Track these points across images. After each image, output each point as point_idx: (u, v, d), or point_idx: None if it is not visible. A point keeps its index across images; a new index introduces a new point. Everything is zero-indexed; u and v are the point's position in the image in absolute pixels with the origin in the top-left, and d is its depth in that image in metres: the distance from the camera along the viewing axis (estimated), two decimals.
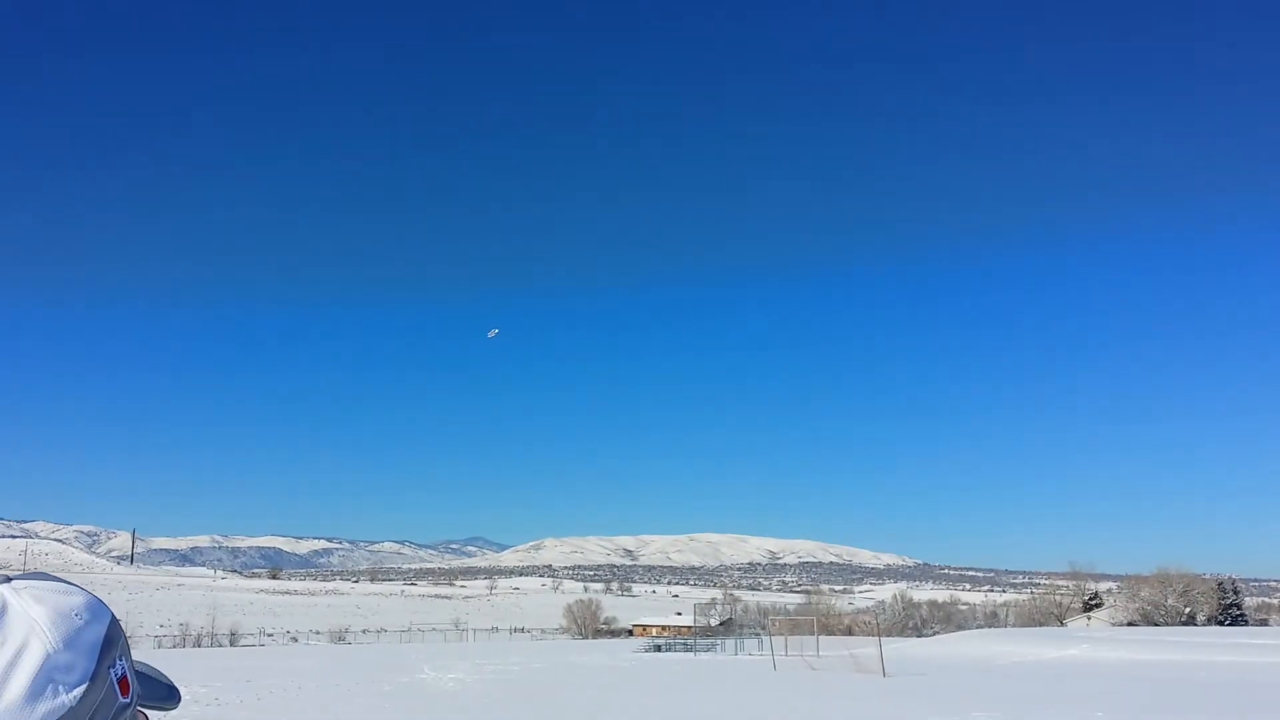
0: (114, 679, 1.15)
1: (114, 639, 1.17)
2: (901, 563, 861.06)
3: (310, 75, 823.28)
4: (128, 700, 1.18)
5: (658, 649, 75.56)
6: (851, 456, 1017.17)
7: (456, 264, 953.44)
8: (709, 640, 79.44)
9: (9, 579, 1.17)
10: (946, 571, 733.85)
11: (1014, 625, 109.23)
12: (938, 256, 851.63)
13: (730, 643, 75.32)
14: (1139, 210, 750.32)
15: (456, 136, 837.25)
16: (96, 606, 1.17)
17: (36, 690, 1.05)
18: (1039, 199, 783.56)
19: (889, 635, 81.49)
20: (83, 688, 1.09)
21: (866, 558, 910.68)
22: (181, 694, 1.32)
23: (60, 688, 1.07)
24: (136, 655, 1.22)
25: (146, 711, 1.24)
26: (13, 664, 1.06)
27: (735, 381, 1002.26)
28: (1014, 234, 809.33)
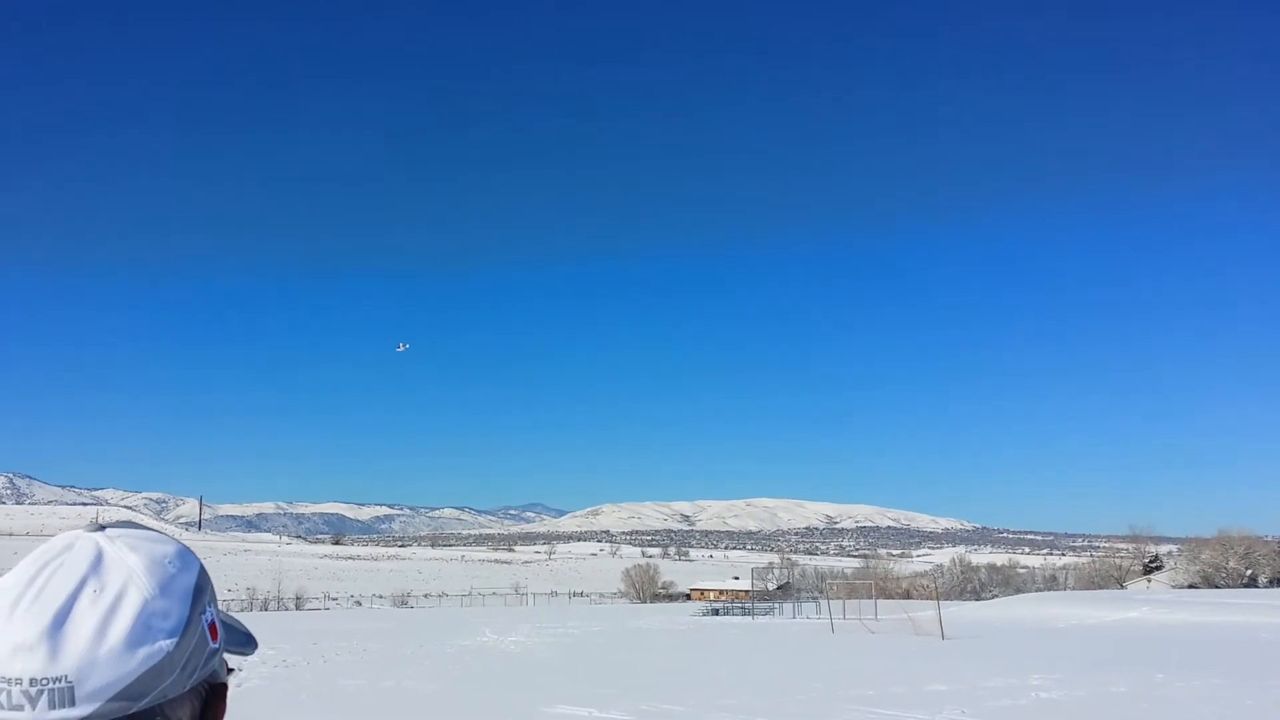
0: (205, 625, 1.18)
1: (203, 587, 1.20)
2: (960, 527, 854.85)
3: (326, 54, 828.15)
4: (217, 645, 1.21)
5: (715, 613, 75.91)
6: (909, 421, 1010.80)
7: (518, 235, 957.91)
8: (766, 604, 79.55)
9: (103, 527, 1.19)
10: (1005, 535, 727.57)
11: (1073, 588, 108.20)
12: (988, 219, 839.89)
13: (788, 606, 75.40)
14: (1193, 177, 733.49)
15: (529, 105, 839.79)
16: (186, 555, 1.21)
17: (136, 636, 1.09)
18: (1098, 166, 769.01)
19: (947, 599, 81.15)
20: (179, 633, 1.12)
21: (924, 522, 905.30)
22: (258, 642, 1.36)
23: (158, 633, 1.10)
24: None
25: (228, 656, 1.28)
26: (112, 610, 1.08)
27: (791, 347, 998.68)
28: (1065, 202, 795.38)
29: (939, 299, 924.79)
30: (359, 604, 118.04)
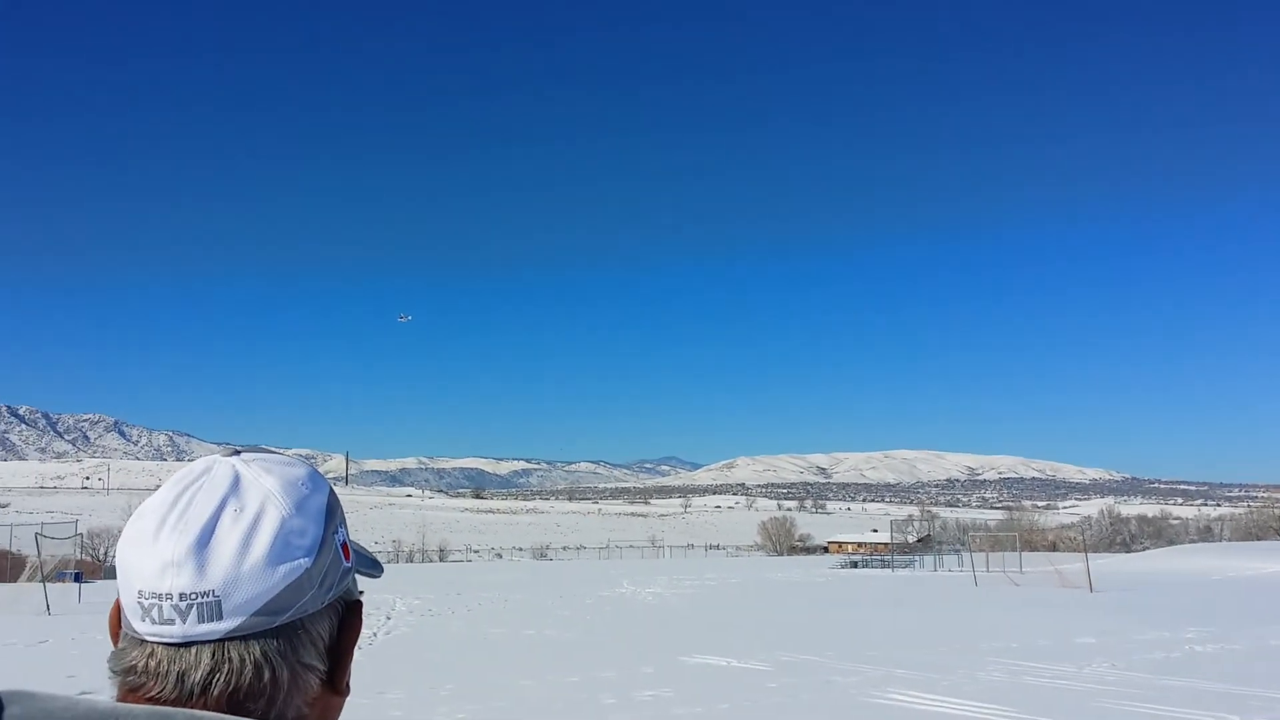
0: (338, 544, 1.22)
1: (334, 508, 1.24)
2: (1109, 477, 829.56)
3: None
4: (350, 565, 1.25)
5: (854, 565, 75.45)
6: (1055, 369, 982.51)
7: (670, 208, 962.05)
8: (906, 557, 78.66)
9: (237, 452, 1.24)
10: (1157, 485, 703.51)
11: (1230, 540, 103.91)
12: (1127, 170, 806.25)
13: (929, 559, 74.43)
14: None
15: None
16: (316, 477, 1.24)
17: (277, 553, 1.13)
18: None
19: (1095, 551, 78.90)
20: (316, 551, 1.16)
21: (1071, 472, 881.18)
22: (383, 567, 1.41)
23: (297, 551, 1.14)
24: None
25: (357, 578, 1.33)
26: (253, 528, 1.13)
27: (928, 297, 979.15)
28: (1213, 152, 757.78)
29: (1089, 245, 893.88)
30: (499, 556, 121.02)
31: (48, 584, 31.01)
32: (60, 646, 19.86)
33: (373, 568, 1.35)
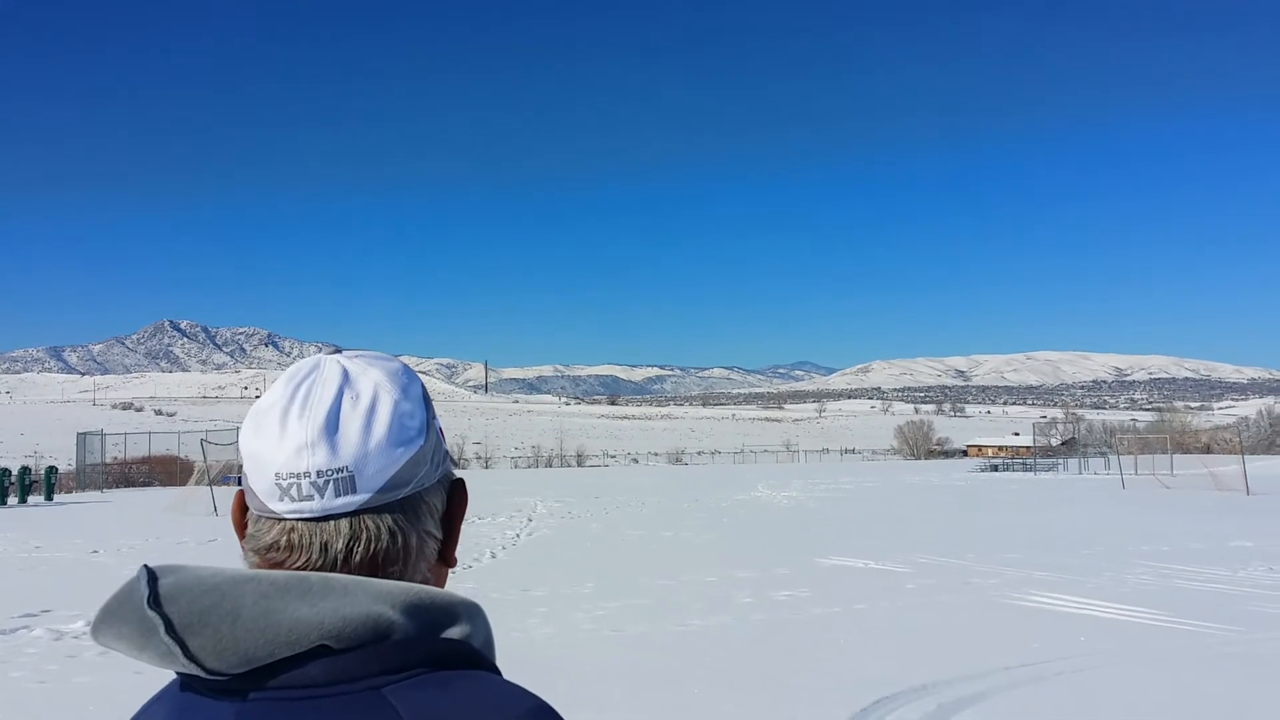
0: (437, 427, 1.32)
1: (428, 396, 1.33)
2: (1269, 376, 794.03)
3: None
4: (446, 448, 1.35)
5: (994, 469, 74.13)
6: (1208, 261, 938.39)
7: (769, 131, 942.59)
8: (1049, 460, 76.88)
9: (338, 350, 1.33)
10: None
11: None
12: None
13: (1073, 462, 72.64)
14: None
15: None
16: (409, 370, 1.32)
17: (395, 433, 1.22)
18: None
19: (1253, 453, 75.91)
20: (424, 431, 1.26)
21: (1227, 372, 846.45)
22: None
23: (410, 430, 1.23)
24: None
25: None
26: (371, 412, 1.22)
27: (1070, 192, 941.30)
28: None
29: (1239, 138, 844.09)
30: (635, 461, 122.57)
31: (214, 487, 32.69)
32: (228, 544, 21.02)
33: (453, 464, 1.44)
